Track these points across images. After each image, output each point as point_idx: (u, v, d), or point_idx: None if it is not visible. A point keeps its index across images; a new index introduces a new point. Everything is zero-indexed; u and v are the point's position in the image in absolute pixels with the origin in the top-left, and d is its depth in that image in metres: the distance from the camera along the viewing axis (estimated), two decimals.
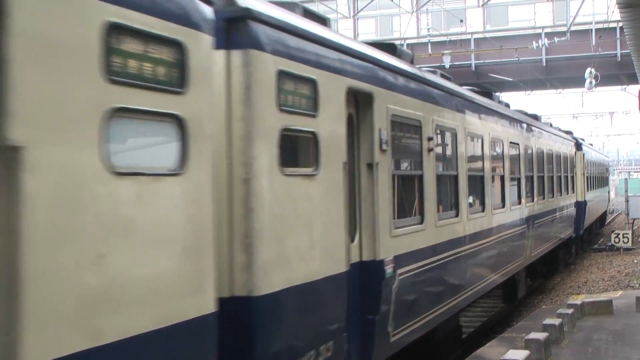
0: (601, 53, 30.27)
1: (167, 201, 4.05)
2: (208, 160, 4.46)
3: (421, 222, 8.90)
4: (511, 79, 34.77)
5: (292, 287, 5.57)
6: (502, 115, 14.10)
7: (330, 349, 6.21)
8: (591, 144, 38.35)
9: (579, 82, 33.00)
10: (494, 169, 12.99)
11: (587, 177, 28.53)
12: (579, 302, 13.60)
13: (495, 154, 13.27)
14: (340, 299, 6.44)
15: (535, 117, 19.17)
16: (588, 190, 27.95)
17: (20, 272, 3.08)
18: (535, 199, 16.83)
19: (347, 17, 42.77)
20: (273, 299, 5.32)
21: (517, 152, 15.26)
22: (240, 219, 5.13)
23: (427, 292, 9.13)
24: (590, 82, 28.09)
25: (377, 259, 7.36)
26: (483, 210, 12.00)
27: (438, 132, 9.71)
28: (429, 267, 9.07)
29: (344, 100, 6.65)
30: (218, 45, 4.97)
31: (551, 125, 23.57)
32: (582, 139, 30.40)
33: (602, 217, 40.02)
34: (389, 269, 7.56)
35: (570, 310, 12.54)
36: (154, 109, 3.98)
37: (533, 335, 10.12)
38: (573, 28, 31.71)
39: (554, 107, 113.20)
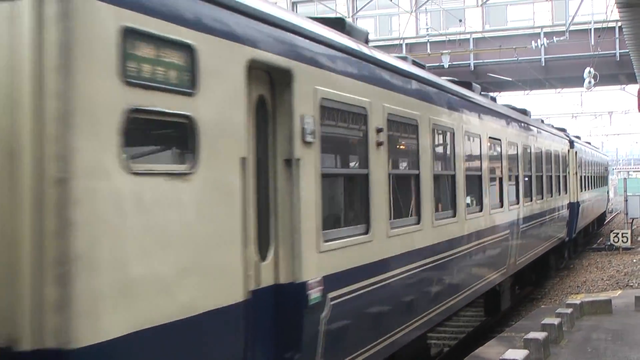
0: (600, 53, 30.46)
1: None
2: None
3: (366, 232, 7.32)
4: (510, 79, 34.86)
5: (143, 331, 4.03)
6: (481, 108, 12.64)
7: None
8: (589, 142, 37.11)
9: (578, 81, 33.18)
10: (470, 168, 11.51)
11: (583, 176, 27.51)
12: (578, 302, 13.64)
13: (471, 151, 11.86)
14: (232, 338, 4.97)
15: (524, 112, 17.94)
16: (583, 191, 26.96)
17: None
18: (522, 201, 15.35)
19: (345, 17, 42.75)
20: (106, 351, 3.80)
21: (500, 150, 13.79)
22: (51, 238, 3.66)
23: (375, 317, 7.56)
24: (589, 82, 28.24)
25: (297, 281, 5.78)
26: (454, 215, 10.47)
27: (392, 123, 8.10)
28: (378, 287, 7.54)
29: (244, 76, 5.12)
30: None
31: (542, 121, 22.07)
32: (578, 137, 29.79)
33: (601, 218, 39.30)
34: (314, 293, 5.99)
35: (569, 310, 12.58)
36: None
37: (532, 334, 10.15)
38: (572, 28, 31.83)
39: (553, 107, 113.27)
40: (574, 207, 23.82)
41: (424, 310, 9.09)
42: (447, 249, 10.01)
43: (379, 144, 7.57)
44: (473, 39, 36.74)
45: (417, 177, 9.01)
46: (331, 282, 6.32)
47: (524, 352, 9.31)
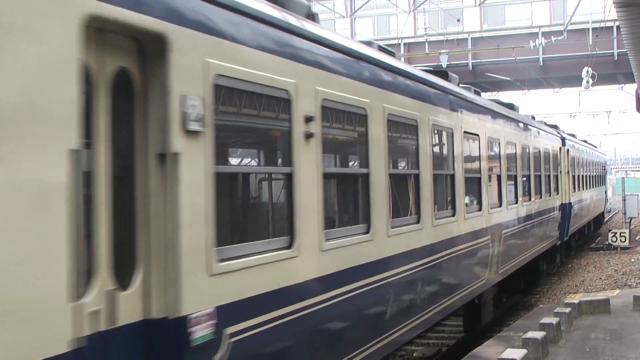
0: (598, 52, 30.50)
1: None
2: None
3: (290, 246, 5.85)
4: (508, 79, 34.90)
5: None
6: (456, 100, 11.15)
7: None
8: (585, 141, 35.52)
9: (576, 81, 33.19)
10: (439, 166, 10.07)
11: (578, 175, 26.48)
12: (576, 301, 13.63)
13: (441, 147, 10.46)
14: None
15: (511, 107, 16.88)
16: (577, 191, 25.87)
17: None
18: (505, 203, 13.99)
19: (344, 17, 42.76)
20: None
21: (479, 147, 12.38)
22: None
23: (300, 354, 6.03)
24: (587, 82, 28.23)
25: (174, 315, 4.46)
26: (418, 222, 8.96)
27: (328, 111, 6.68)
28: (306, 314, 6.02)
29: (75, 38, 3.81)
30: None
31: (533, 118, 20.71)
32: (573, 135, 29.10)
33: (599, 219, 38.55)
34: (201, 330, 4.64)
35: (567, 309, 12.56)
36: None
37: (530, 334, 10.13)
38: (570, 27, 31.85)
39: (552, 107, 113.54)
40: (566, 209, 22.60)
41: (376, 335, 7.60)
42: (412, 260, 8.59)
43: (309, 135, 6.14)
44: (471, 38, 36.83)
45: (367, 176, 7.47)
46: (230, 313, 4.96)
47: (522, 352, 9.31)
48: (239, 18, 5.35)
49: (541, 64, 34.81)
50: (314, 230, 6.20)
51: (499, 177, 13.76)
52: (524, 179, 16.17)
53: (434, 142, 9.82)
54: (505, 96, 44.10)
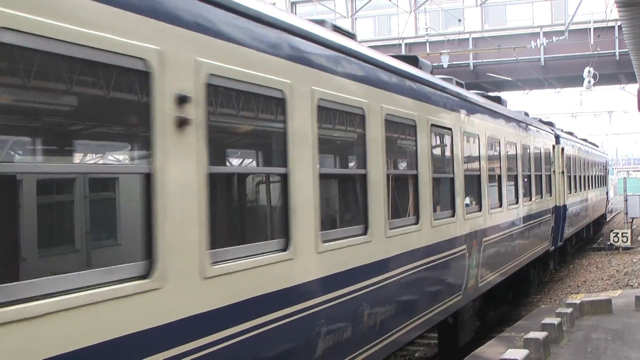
0: (599, 52, 30.43)
1: None
2: None
3: (146, 275, 4.25)
4: (510, 79, 34.88)
5: None
6: (425, 89, 9.53)
7: None
8: (585, 139, 33.50)
9: (577, 81, 33.15)
10: (402, 166, 8.92)
11: (575, 176, 25.18)
12: (578, 302, 13.61)
13: (405, 144, 8.96)
14: None
15: (499, 100, 15.44)
16: (573, 192, 24.42)
17: None
18: (486, 207, 12.30)
19: (345, 17, 42.76)
20: None
21: (451, 144, 10.61)
22: None
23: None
24: (589, 82, 28.20)
25: None
26: (366, 233, 7.33)
27: (227, 92, 5.19)
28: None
29: None
30: None
31: (526, 114, 19.15)
32: (571, 133, 27.87)
33: (599, 221, 37.48)
34: None
35: (569, 310, 12.54)
36: None
37: (532, 334, 10.11)
38: (571, 27, 31.83)
39: (553, 107, 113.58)
40: (559, 212, 20.95)
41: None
42: (367, 276, 7.27)
43: (182, 121, 4.53)
44: (472, 38, 36.81)
45: (289, 176, 5.85)
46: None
47: (524, 352, 9.30)
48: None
49: (542, 64, 34.78)
50: (188, 253, 4.70)
51: (479, 178, 12.16)
52: (510, 180, 14.67)
53: (387, 136, 7.97)
54: (506, 96, 44.00)
